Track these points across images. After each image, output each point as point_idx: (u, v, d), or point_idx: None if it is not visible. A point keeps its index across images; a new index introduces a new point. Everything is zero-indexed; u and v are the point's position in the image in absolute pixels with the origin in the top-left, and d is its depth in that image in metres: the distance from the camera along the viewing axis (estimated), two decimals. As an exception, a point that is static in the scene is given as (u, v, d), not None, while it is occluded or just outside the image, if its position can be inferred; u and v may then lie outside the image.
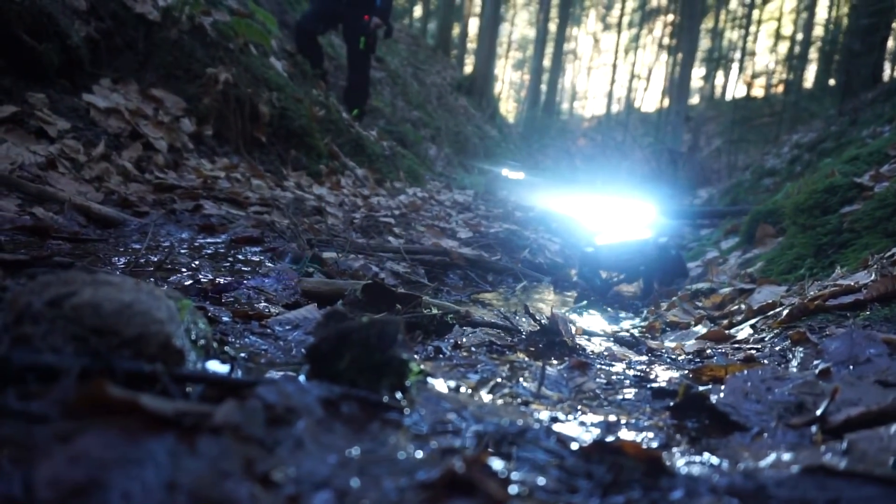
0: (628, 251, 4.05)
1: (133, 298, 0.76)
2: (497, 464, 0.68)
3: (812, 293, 2.36)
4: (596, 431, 0.91)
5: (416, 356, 1.28)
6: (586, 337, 2.50)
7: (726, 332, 2.37)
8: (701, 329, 2.65)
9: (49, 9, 3.73)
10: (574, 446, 0.75)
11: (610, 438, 0.86)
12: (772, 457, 0.78)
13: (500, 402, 0.97)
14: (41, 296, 0.76)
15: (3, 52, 3.50)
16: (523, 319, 2.26)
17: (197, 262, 2.29)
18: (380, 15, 7.48)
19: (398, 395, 0.84)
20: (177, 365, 0.74)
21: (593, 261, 4.09)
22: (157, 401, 0.57)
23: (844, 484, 0.62)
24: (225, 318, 1.41)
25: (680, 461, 0.80)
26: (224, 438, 0.58)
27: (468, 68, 23.07)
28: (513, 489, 0.63)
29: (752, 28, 33.89)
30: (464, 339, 1.50)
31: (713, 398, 1.06)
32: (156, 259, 2.21)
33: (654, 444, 0.91)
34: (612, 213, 4.46)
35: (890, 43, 18.46)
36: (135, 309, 0.74)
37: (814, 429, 0.90)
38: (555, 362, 1.38)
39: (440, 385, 1.00)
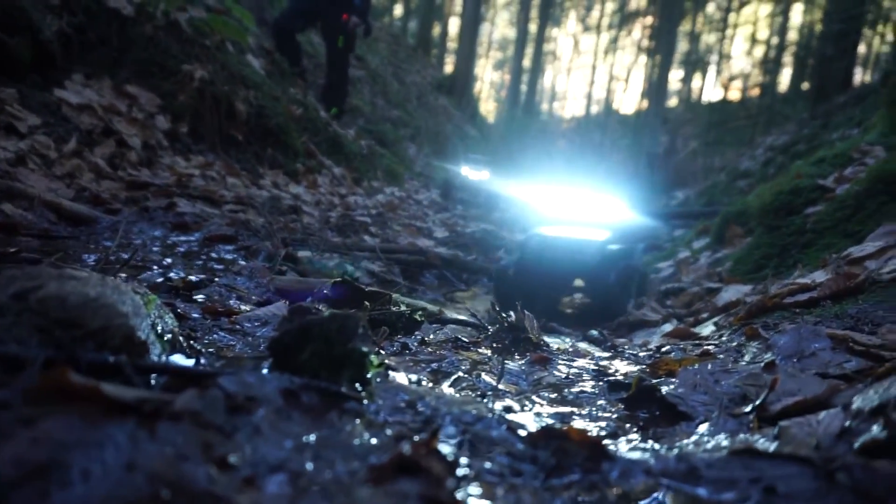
0: (565, 251, 3.11)
1: (98, 293, 0.78)
2: (446, 449, 0.72)
3: (773, 291, 2.43)
4: (549, 422, 0.96)
5: (381, 351, 1.31)
6: (555, 334, 2.55)
7: (691, 329, 2.44)
8: (668, 327, 2.73)
9: (20, 2, 3.69)
10: (523, 433, 0.79)
11: (559, 426, 0.90)
12: (710, 443, 0.83)
13: (459, 394, 1.01)
14: (7, 289, 0.78)
15: (-28, 47, 3.45)
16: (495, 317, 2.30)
17: (169, 260, 2.30)
18: (359, 14, 7.49)
19: (358, 386, 0.88)
20: (140, 357, 0.77)
21: (520, 266, 3.19)
22: (118, 388, 0.60)
23: (768, 464, 0.67)
24: (195, 315, 1.43)
25: (624, 447, 0.84)
26: (184, 424, 0.61)
27: (448, 68, 23.13)
28: (460, 472, 0.66)
29: (729, 32, 34.44)
30: (431, 336, 1.53)
31: (664, 390, 1.11)
32: (126, 256, 2.21)
33: (604, 433, 0.96)
34: (574, 205, 3.59)
35: (861, 48, 18.92)
36: (100, 302, 0.76)
37: (752, 417, 0.95)
38: (518, 358, 1.42)
39: (402, 378, 1.04)
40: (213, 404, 0.67)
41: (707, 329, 2.30)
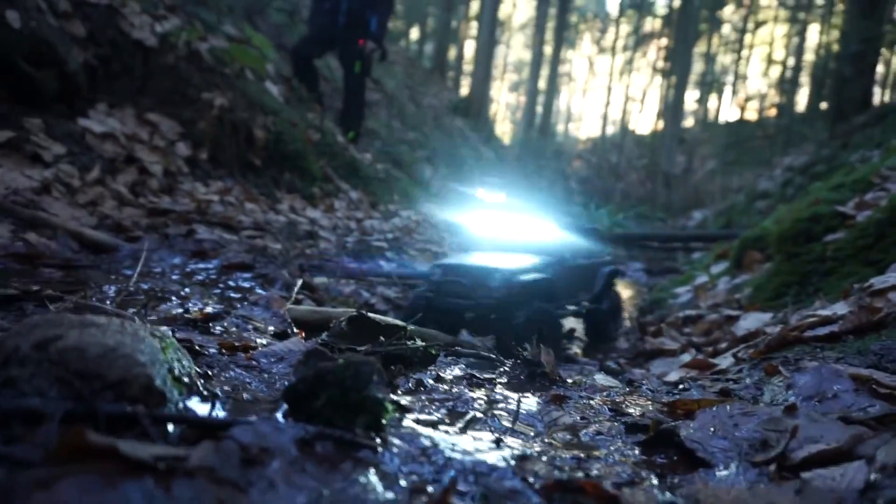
0: (467, 282, 2.52)
1: (117, 342, 0.79)
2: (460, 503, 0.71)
3: (793, 322, 2.40)
4: (565, 468, 0.94)
5: (397, 389, 1.31)
6: (571, 365, 2.53)
7: (710, 360, 2.41)
8: (686, 357, 2.69)
9: (48, 36, 3.80)
10: (538, 485, 0.79)
11: (578, 475, 0.89)
12: (728, 495, 0.81)
13: (473, 438, 1.00)
14: (28, 338, 0.79)
15: (0, 79, 3.55)
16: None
17: (188, 290, 2.32)
18: (374, 39, 7.60)
19: (373, 433, 0.88)
20: (158, 406, 0.77)
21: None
22: (134, 446, 0.61)
23: (788, 525, 0.66)
24: (211, 350, 1.44)
25: (640, 498, 0.83)
26: (198, 481, 0.61)
27: (464, 90, 23.33)
28: (474, 530, 0.66)
29: (745, 52, 34.41)
30: (446, 372, 1.53)
31: (682, 433, 1.09)
32: (147, 287, 2.24)
33: (621, 479, 0.94)
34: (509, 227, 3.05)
35: (879, 68, 18.79)
36: (118, 353, 0.77)
37: (774, 466, 0.93)
38: (534, 395, 1.41)
39: (416, 422, 1.03)
40: (228, 458, 0.67)
41: (726, 361, 2.27)
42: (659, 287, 5.69)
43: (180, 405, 0.87)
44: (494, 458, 0.88)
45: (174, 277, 2.63)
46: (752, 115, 33.22)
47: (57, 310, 1.23)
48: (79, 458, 0.58)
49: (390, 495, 0.71)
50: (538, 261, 2.73)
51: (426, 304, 2.61)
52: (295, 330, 1.92)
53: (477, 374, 1.52)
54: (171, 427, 0.77)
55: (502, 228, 3.06)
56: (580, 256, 3.20)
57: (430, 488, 0.74)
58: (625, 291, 6.95)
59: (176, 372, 0.93)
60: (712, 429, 1.10)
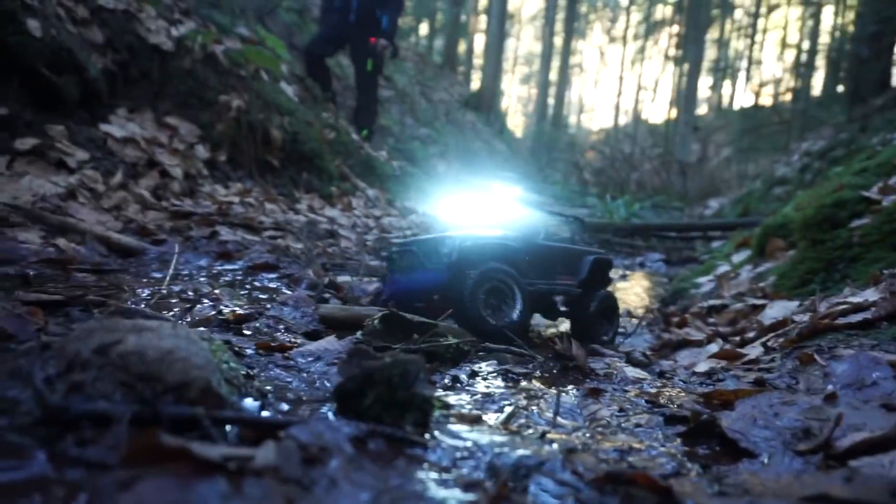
0: (418, 257, 2.41)
1: (173, 345, 0.81)
2: (517, 497, 0.73)
3: (823, 310, 2.38)
4: (610, 460, 0.95)
5: (435, 386, 1.32)
6: (598, 357, 2.53)
7: (738, 350, 2.40)
8: (713, 347, 2.68)
9: (68, 43, 3.85)
10: (588, 477, 0.80)
11: (623, 467, 0.90)
12: (778, 484, 0.82)
13: (517, 432, 1.01)
14: (88, 343, 0.81)
15: (24, 87, 3.61)
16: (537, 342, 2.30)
17: (217, 292, 2.35)
18: (386, 36, 7.62)
19: (421, 430, 0.89)
20: (215, 408, 0.79)
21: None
22: (205, 447, 0.63)
23: (845, 514, 0.66)
24: (249, 351, 1.47)
25: (689, 489, 0.84)
26: (266, 480, 0.63)
27: (475, 84, 23.27)
28: (533, 523, 0.67)
29: (758, 37, 33.96)
30: (480, 367, 1.54)
31: (723, 424, 1.10)
32: (178, 289, 2.28)
33: (667, 471, 0.95)
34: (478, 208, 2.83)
35: (897, 49, 18.46)
36: (176, 355, 0.79)
37: (819, 455, 0.93)
38: (569, 388, 1.42)
39: (459, 418, 1.05)
40: (290, 458, 0.69)
41: (755, 351, 2.26)
42: (680, 277, 5.66)
43: (234, 406, 0.89)
44: (542, 451, 0.89)
45: (202, 279, 2.67)
46: (766, 100, 32.81)
47: (101, 314, 1.26)
48: (152, 460, 0.60)
49: (447, 491, 0.72)
50: (504, 234, 2.54)
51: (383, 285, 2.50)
52: (326, 329, 1.95)
53: (511, 369, 1.53)
54: (228, 427, 0.79)
55: (478, 212, 2.83)
56: (558, 240, 3.00)
57: (485, 483, 0.76)
58: (644, 282, 6.92)
59: (226, 374, 0.95)
60: (753, 419, 1.11)
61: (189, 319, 1.75)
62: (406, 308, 2.36)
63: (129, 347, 0.79)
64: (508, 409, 1.15)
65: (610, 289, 3.21)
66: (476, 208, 2.82)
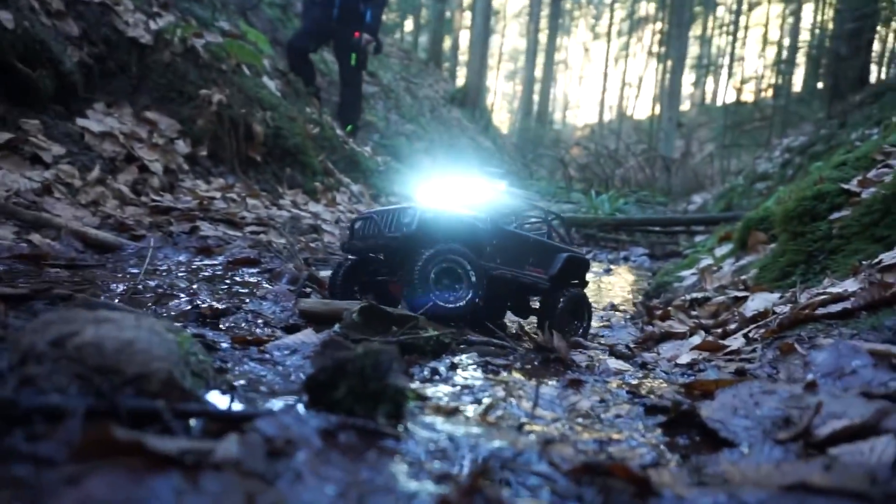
0: (378, 228, 2.31)
1: (134, 336, 0.78)
2: (490, 490, 0.70)
3: (803, 301, 2.39)
4: (589, 451, 0.94)
5: (413, 378, 1.30)
6: (581, 350, 2.52)
7: (720, 342, 2.40)
8: (695, 339, 2.68)
9: (42, 35, 3.77)
10: (565, 468, 0.78)
11: (601, 458, 0.88)
12: (757, 474, 0.81)
13: (495, 424, 0.99)
14: (44, 335, 0.78)
15: (-3, 80, 3.53)
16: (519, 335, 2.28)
17: (195, 286, 2.31)
18: (370, 31, 7.56)
19: (394, 421, 0.87)
20: (178, 400, 0.76)
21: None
22: (161, 441, 0.60)
23: (823, 500, 0.65)
24: (224, 345, 1.43)
25: (668, 479, 0.82)
26: (226, 474, 0.60)
27: (460, 80, 23.22)
28: (506, 515, 0.65)
29: (740, 34, 34.24)
30: (460, 359, 1.52)
31: (703, 413, 1.08)
32: (154, 284, 2.23)
33: (646, 461, 0.94)
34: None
35: (875, 46, 18.71)
36: (136, 347, 0.76)
37: (799, 443, 0.92)
38: (550, 380, 1.40)
39: (435, 410, 1.02)
40: (254, 451, 0.66)
41: (737, 342, 2.26)
42: (663, 271, 5.68)
43: (199, 399, 0.86)
44: (518, 443, 0.87)
45: (181, 274, 2.62)
46: (748, 96, 33.08)
47: (67, 307, 1.22)
48: (105, 455, 0.57)
49: (418, 484, 0.70)
50: (472, 214, 2.42)
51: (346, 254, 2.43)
52: (306, 323, 1.92)
53: (491, 361, 1.51)
54: (192, 421, 0.76)
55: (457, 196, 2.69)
56: (533, 231, 2.92)
57: (457, 475, 0.73)
58: (628, 276, 6.94)
59: (192, 367, 0.92)
60: (733, 408, 1.09)
61: (164, 314, 1.71)
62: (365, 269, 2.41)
63: (86, 339, 0.75)
64: (487, 401, 1.13)
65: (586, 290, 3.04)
66: (455, 192, 2.69)
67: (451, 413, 1.03)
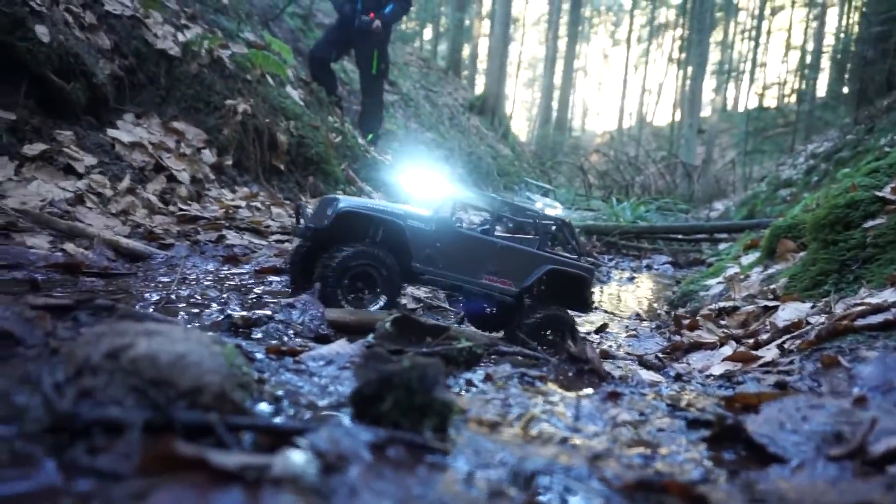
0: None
1: (186, 349, 0.79)
2: (545, 507, 0.70)
3: (839, 311, 2.34)
4: (636, 466, 0.92)
5: (449, 390, 1.29)
6: (611, 360, 2.50)
7: (753, 352, 2.36)
8: (727, 350, 2.64)
9: (75, 48, 3.85)
10: (617, 484, 0.77)
11: (650, 473, 0.87)
12: (815, 492, 0.79)
13: (538, 438, 0.98)
14: (98, 347, 0.79)
15: (31, 92, 3.61)
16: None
17: (225, 296, 2.33)
18: (384, 20, 7.51)
19: (440, 435, 0.86)
20: (229, 413, 0.77)
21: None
22: (222, 456, 0.60)
23: (892, 523, 0.63)
24: (259, 356, 1.44)
25: (721, 497, 0.80)
26: (285, 489, 0.60)
27: (479, 88, 23.26)
28: (563, 533, 0.64)
29: (762, 39, 33.89)
30: (494, 370, 1.51)
31: (749, 428, 1.06)
32: (185, 293, 2.26)
33: (694, 477, 0.92)
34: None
35: (903, 49, 18.39)
36: (188, 360, 0.77)
37: (854, 461, 0.90)
38: (587, 392, 1.38)
39: (477, 423, 1.02)
40: (308, 465, 0.66)
41: (770, 353, 2.22)
42: (688, 279, 5.62)
43: (249, 412, 0.86)
44: (565, 457, 0.86)
45: (209, 283, 2.65)
46: (771, 102, 32.73)
47: (111, 318, 1.24)
48: (167, 469, 0.57)
49: (471, 500, 0.69)
50: (412, 211, 2.27)
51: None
52: (335, 333, 1.92)
53: (526, 373, 1.50)
54: (244, 434, 0.77)
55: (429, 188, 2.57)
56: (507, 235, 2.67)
57: (510, 491, 0.72)
58: (651, 284, 6.88)
59: (239, 379, 0.92)
60: (780, 423, 1.07)
61: (198, 324, 1.72)
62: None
63: (140, 352, 0.76)
64: (526, 414, 1.12)
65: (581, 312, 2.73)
66: (428, 184, 2.55)
67: (492, 426, 1.02)
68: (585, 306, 2.74)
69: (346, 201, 2.16)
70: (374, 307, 2.13)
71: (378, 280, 2.15)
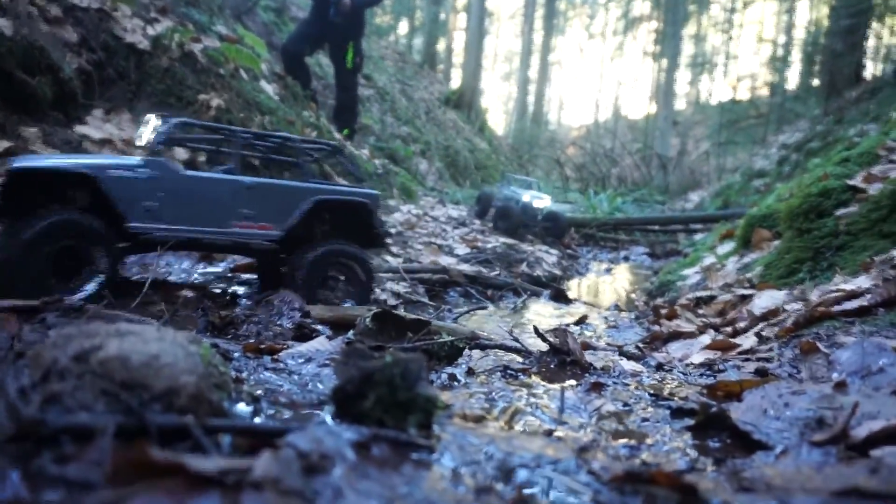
0: None
1: (159, 349, 0.76)
2: (535, 502, 0.68)
3: (814, 298, 2.37)
4: (623, 457, 0.92)
5: (432, 385, 1.28)
6: (591, 351, 2.50)
7: (731, 340, 2.38)
8: (705, 338, 2.66)
9: (40, 42, 3.74)
10: (606, 477, 0.76)
11: (641, 465, 0.86)
12: (801, 478, 0.79)
13: (523, 431, 0.97)
14: (66, 350, 0.76)
15: (-5, 88, 3.49)
16: (529, 340, 2.26)
17: (201, 294, 2.29)
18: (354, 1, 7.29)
19: (424, 432, 0.84)
20: (206, 415, 0.74)
21: None
22: (200, 461, 0.57)
23: (880, 508, 0.63)
24: (236, 354, 1.41)
25: (709, 486, 0.80)
26: (266, 493, 0.58)
27: (455, 82, 23.20)
28: (553, 529, 0.63)
29: (735, 32, 34.34)
30: (476, 364, 1.50)
31: (733, 416, 1.07)
32: (159, 293, 2.20)
33: (681, 467, 0.92)
34: None
35: (870, 41, 18.78)
36: (162, 361, 0.74)
37: (837, 445, 0.90)
38: (570, 383, 1.38)
39: (461, 417, 1.00)
40: (290, 467, 0.64)
41: (749, 341, 2.24)
42: (665, 269, 5.67)
43: (227, 413, 0.83)
44: (552, 450, 0.85)
45: (185, 281, 2.60)
46: (744, 94, 33.19)
47: (80, 319, 1.20)
48: (142, 477, 0.54)
49: (459, 497, 0.68)
50: (132, 160, 1.98)
51: None
52: (319, 329, 1.89)
53: (508, 366, 1.49)
54: (221, 436, 0.74)
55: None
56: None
57: (498, 487, 0.71)
58: (628, 275, 6.93)
59: (216, 379, 0.89)
60: (763, 410, 1.08)
61: (173, 323, 1.68)
62: None
63: (110, 353, 0.73)
64: (511, 407, 1.11)
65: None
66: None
67: (477, 421, 1.01)
68: (376, 238, 2.41)
69: (22, 160, 1.84)
70: (90, 286, 1.74)
71: (89, 254, 1.78)
